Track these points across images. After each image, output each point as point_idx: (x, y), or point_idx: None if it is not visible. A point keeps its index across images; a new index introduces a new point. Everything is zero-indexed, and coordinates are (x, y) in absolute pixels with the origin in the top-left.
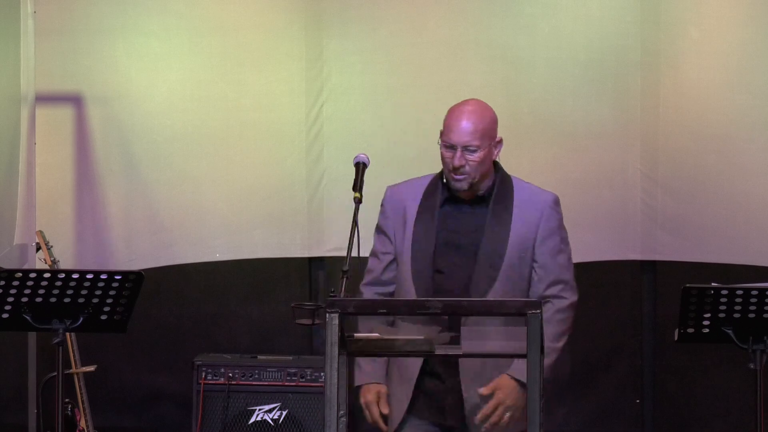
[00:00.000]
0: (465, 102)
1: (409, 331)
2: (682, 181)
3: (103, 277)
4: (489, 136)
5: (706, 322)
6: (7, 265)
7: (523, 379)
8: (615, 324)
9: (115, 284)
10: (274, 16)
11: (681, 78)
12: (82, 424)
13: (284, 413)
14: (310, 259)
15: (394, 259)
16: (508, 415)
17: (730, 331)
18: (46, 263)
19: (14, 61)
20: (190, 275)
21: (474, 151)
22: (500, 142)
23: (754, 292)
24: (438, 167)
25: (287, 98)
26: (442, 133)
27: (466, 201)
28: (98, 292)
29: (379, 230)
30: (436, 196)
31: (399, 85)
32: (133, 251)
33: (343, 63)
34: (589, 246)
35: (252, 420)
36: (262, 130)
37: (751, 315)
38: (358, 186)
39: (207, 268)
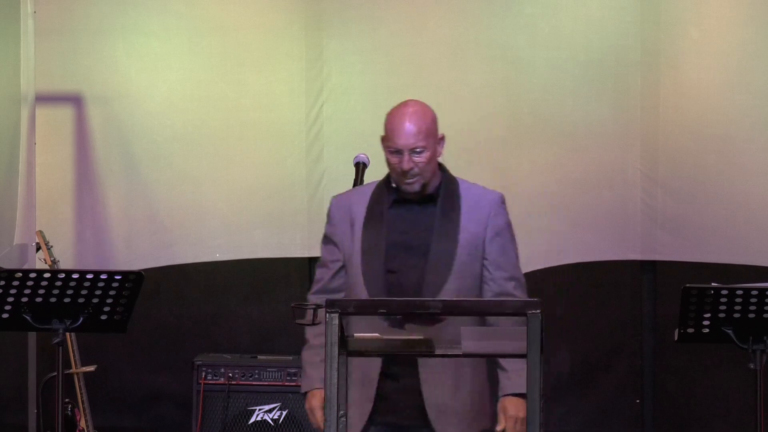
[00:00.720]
0: (404, 104)
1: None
2: (682, 181)
3: (103, 277)
4: (433, 134)
5: (706, 322)
6: (7, 265)
7: (519, 390)
8: (615, 324)
9: (115, 284)
10: (274, 16)
11: (681, 78)
12: (82, 424)
13: (284, 413)
14: (310, 259)
15: (343, 266)
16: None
17: (730, 331)
18: (46, 263)
19: (14, 61)
20: (190, 275)
21: (421, 152)
22: (443, 138)
23: (754, 292)
24: None
25: (287, 98)
26: (384, 139)
27: (414, 201)
28: (98, 292)
29: (327, 239)
30: (383, 198)
31: (399, 85)
32: (133, 251)
33: (343, 63)
34: (589, 246)
35: (252, 420)
36: (262, 130)
37: (751, 315)
38: (358, 186)
39: (207, 268)
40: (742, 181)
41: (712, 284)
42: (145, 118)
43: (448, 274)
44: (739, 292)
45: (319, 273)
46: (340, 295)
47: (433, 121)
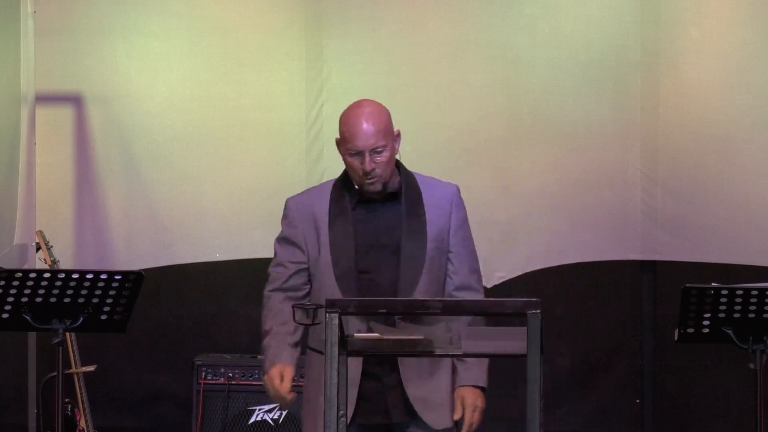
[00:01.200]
0: (357, 105)
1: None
2: (682, 181)
3: (103, 277)
4: (390, 132)
5: (706, 322)
6: (7, 265)
7: (476, 383)
8: (615, 324)
9: (115, 284)
10: (274, 16)
11: (681, 78)
12: (82, 424)
13: (284, 413)
14: None
15: (306, 268)
16: (480, 416)
17: (730, 331)
18: (46, 263)
19: (14, 61)
20: (190, 275)
21: (381, 152)
22: (399, 135)
23: (754, 292)
24: (439, 168)
25: (287, 98)
26: (341, 142)
27: (378, 200)
28: (98, 292)
29: (286, 241)
30: (345, 199)
31: (399, 85)
32: (133, 251)
33: (343, 63)
34: (589, 246)
35: (252, 420)
36: (262, 130)
37: (751, 315)
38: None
39: (207, 268)
40: (742, 181)
41: (712, 284)
42: (145, 118)
43: (421, 270)
44: (739, 292)
45: (275, 272)
46: (301, 293)
47: (389, 118)
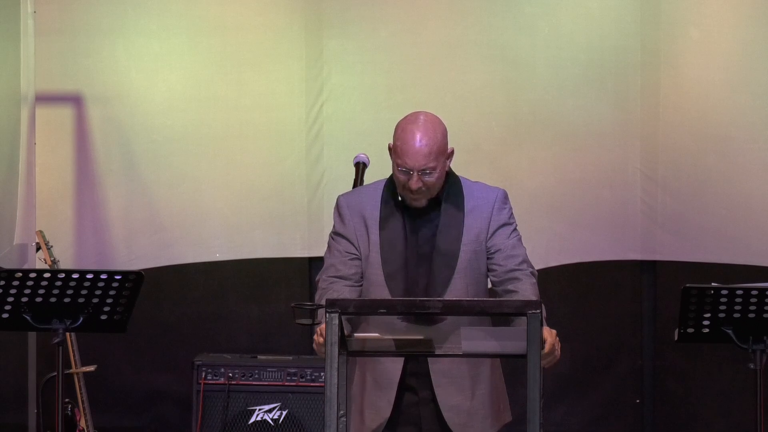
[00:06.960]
0: (414, 119)
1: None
2: (682, 181)
3: (103, 277)
4: (443, 152)
5: (706, 322)
6: (7, 265)
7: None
8: (615, 324)
9: (115, 284)
10: (274, 16)
11: (681, 78)
12: (82, 424)
13: (284, 413)
14: (310, 259)
15: (357, 258)
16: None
17: (730, 331)
18: (46, 263)
19: (14, 61)
20: (190, 275)
21: (430, 173)
22: (452, 153)
23: (754, 292)
24: None
25: (287, 98)
26: (393, 153)
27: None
28: (98, 292)
29: (339, 235)
30: (394, 203)
31: (399, 85)
32: (133, 251)
33: (343, 63)
34: (589, 246)
35: (252, 420)
36: (262, 130)
37: (751, 315)
38: (358, 186)
39: (207, 268)
40: (742, 181)
41: (712, 284)
42: (145, 118)
43: (452, 275)
44: (739, 292)
45: (329, 259)
46: (356, 284)
47: (444, 136)
